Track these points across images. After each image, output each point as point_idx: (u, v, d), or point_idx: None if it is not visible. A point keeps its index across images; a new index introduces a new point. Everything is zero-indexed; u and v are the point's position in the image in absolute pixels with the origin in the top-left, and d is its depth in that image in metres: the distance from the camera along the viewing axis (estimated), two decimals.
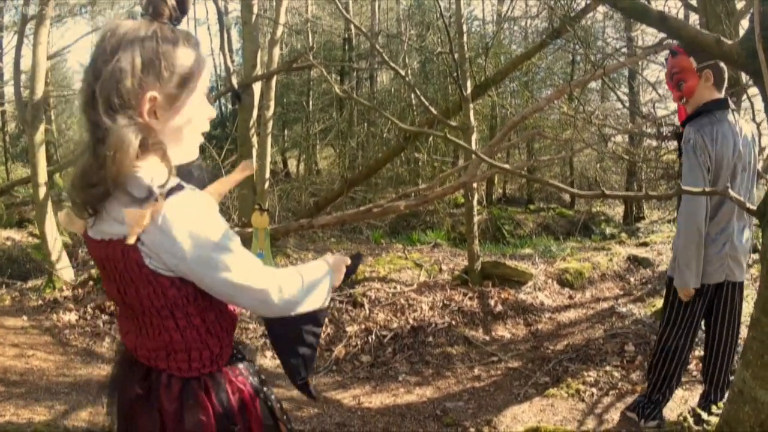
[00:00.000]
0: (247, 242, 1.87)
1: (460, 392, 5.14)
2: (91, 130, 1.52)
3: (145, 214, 1.44)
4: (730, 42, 2.46)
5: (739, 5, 4.96)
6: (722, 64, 3.79)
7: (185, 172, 1.64)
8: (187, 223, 1.49)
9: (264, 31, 12.41)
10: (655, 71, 14.68)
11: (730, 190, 2.52)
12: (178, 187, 1.52)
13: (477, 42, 17.39)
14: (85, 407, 4.72)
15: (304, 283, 1.73)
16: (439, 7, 8.82)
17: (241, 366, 1.82)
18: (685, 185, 3.78)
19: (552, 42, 10.08)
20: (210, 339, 1.69)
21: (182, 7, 1.60)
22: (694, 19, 7.08)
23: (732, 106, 3.94)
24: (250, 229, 2.69)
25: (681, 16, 8.06)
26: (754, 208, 2.61)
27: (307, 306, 1.74)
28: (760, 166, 4.08)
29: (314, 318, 1.80)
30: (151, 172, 1.50)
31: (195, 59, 1.60)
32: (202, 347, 1.68)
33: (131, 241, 1.46)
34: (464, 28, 7.75)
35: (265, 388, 1.87)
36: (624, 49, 10.48)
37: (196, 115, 1.65)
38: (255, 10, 8.35)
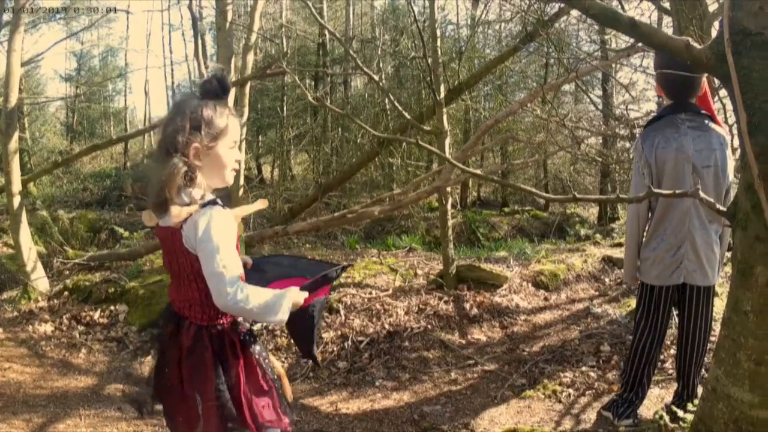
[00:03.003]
0: None
1: (438, 396, 5.15)
2: (161, 165, 2.36)
3: (182, 212, 2.33)
4: (699, 46, 2.49)
5: (712, 8, 5.01)
6: (670, 72, 3.86)
7: (223, 196, 2.51)
8: (208, 224, 2.32)
9: (238, 37, 12.38)
10: (628, 73, 14.81)
11: (701, 193, 2.55)
12: (213, 202, 2.40)
13: (451, 46, 17.49)
14: (62, 419, 4.69)
15: (260, 301, 2.37)
16: (413, 11, 8.84)
17: (241, 327, 2.59)
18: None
19: (525, 46, 10.15)
20: None
21: (223, 88, 2.48)
22: (667, 21, 7.15)
23: (692, 110, 4.00)
24: None
25: (654, 18, 8.14)
26: (725, 209, 2.64)
27: (256, 317, 2.47)
28: (734, 167, 4.14)
29: (308, 321, 2.69)
30: (195, 191, 2.40)
31: (225, 123, 2.46)
32: (211, 306, 2.40)
33: (176, 226, 2.36)
34: (438, 32, 7.78)
35: (258, 347, 2.63)
36: (597, 53, 10.55)
37: (226, 157, 2.50)
38: (229, 16, 8.33)
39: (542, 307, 7.07)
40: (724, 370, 2.63)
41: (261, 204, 3.09)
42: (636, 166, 4.09)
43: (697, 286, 4.02)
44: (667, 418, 3.89)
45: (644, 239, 4.15)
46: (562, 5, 7.74)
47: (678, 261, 3.97)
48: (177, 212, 2.33)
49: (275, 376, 2.69)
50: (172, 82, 33.28)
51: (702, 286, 4.02)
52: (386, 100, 15.33)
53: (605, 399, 4.68)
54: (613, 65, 8.29)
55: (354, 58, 7.80)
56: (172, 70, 37.25)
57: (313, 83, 19.90)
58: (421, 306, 6.76)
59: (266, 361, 2.65)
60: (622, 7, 6.84)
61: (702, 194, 2.55)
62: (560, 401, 4.86)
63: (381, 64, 13.97)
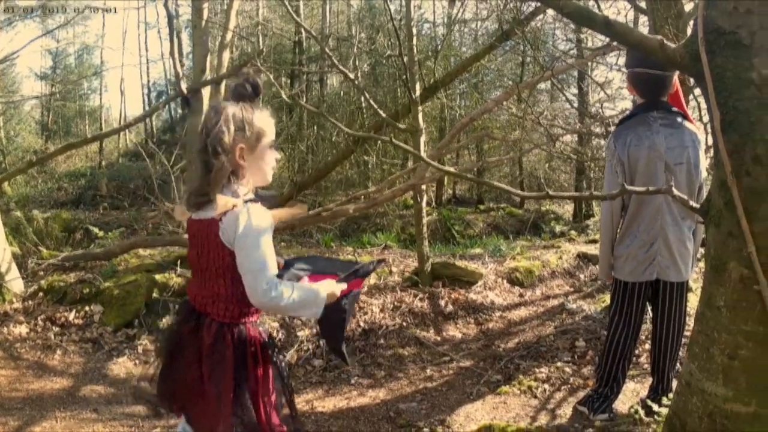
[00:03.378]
0: None
1: (413, 393, 5.15)
2: (204, 165, 2.46)
3: (228, 202, 2.40)
4: (674, 45, 2.51)
5: (688, 6, 5.05)
6: (641, 70, 3.89)
7: (264, 196, 2.61)
8: (248, 220, 2.38)
9: (214, 35, 12.32)
10: (603, 72, 14.86)
11: (674, 189, 2.58)
12: (255, 200, 2.48)
13: (427, 44, 17.49)
14: (38, 422, 4.63)
15: (294, 296, 2.45)
16: (390, 10, 8.83)
17: (262, 329, 2.64)
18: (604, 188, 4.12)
19: (501, 44, 10.17)
20: (242, 299, 2.45)
21: (256, 92, 2.61)
22: (644, 20, 7.19)
23: (664, 108, 4.03)
24: None
25: (631, 18, 8.19)
26: (698, 206, 2.67)
27: (291, 313, 2.66)
28: (708, 164, 4.19)
29: (339, 314, 2.76)
30: (240, 188, 2.50)
31: (263, 123, 2.59)
32: (236, 303, 2.51)
33: (217, 217, 2.41)
34: (414, 30, 7.79)
35: (276, 350, 2.69)
36: (573, 51, 10.61)
37: (267, 156, 2.63)
38: (205, 14, 8.30)
39: (517, 304, 7.10)
40: (698, 364, 2.65)
41: (300, 209, 3.13)
42: (609, 164, 4.11)
43: (670, 282, 4.05)
44: (642, 412, 3.92)
45: (618, 236, 4.17)
46: (538, 4, 7.77)
47: (651, 257, 4.01)
48: (223, 202, 2.42)
49: (289, 381, 2.78)
50: (148, 81, 33.15)
51: (675, 281, 4.06)
52: (362, 98, 15.32)
53: (581, 394, 4.71)
54: (589, 64, 8.33)
55: (330, 56, 7.79)
56: (147, 68, 37.21)
57: (289, 81, 19.85)
58: (396, 303, 6.76)
59: (282, 365, 2.71)
60: (599, 7, 6.87)
61: (675, 191, 2.58)
62: (536, 397, 4.88)
63: (357, 63, 13.93)
